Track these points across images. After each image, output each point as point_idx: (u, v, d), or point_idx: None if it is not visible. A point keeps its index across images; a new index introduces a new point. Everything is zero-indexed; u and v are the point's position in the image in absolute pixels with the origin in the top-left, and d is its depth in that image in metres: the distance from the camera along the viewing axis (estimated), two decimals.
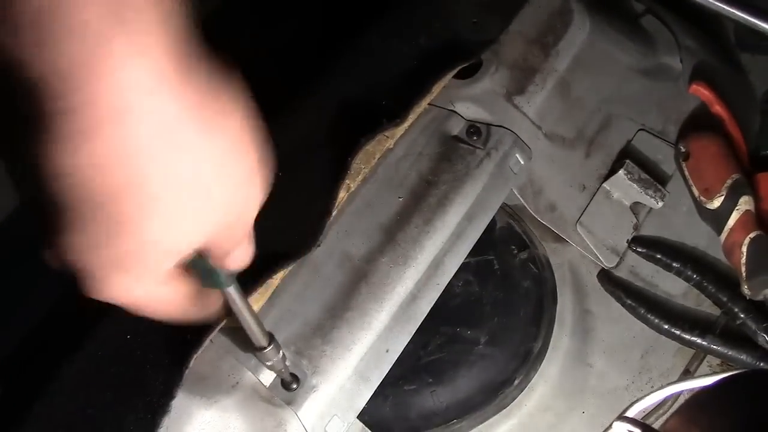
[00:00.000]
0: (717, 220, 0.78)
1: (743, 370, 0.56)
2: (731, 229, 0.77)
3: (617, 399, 0.75)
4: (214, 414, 0.60)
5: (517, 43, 0.80)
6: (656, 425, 0.62)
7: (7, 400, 0.57)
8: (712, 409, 0.42)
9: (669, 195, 0.80)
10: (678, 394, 0.66)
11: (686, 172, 0.81)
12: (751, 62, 0.95)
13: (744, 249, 0.75)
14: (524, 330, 0.76)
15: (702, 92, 0.85)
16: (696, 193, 0.80)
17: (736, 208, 0.77)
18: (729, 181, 0.78)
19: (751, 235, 0.75)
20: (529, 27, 0.81)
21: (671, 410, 0.70)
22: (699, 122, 0.85)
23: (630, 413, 0.54)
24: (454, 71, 0.74)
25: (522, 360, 0.75)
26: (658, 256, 0.79)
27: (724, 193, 0.77)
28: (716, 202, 0.78)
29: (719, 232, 0.78)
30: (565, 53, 0.81)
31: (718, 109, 0.85)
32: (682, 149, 0.82)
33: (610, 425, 0.50)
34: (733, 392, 0.44)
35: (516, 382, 0.75)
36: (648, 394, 0.55)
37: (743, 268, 0.75)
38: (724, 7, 0.78)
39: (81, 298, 0.39)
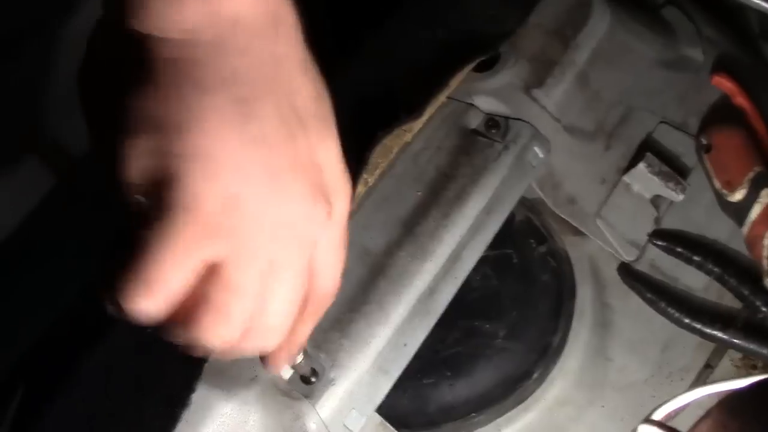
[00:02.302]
0: (739, 212, 0.78)
1: None
2: (753, 222, 0.76)
3: (637, 393, 0.74)
4: (233, 407, 0.60)
5: (536, 36, 0.79)
6: (673, 424, 0.62)
7: (29, 393, 0.57)
8: (743, 415, 0.41)
9: (690, 188, 0.79)
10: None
11: (708, 165, 0.81)
12: None
13: (767, 242, 0.75)
14: (543, 323, 0.76)
15: (724, 83, 0.84)
16: (717, 185, 0.79)
17: (759, 200, 0.76)
18: (751, 174, 0.77)
19: None
20: (548, 19, 0.80)
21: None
22: (721, 114, 0.84)
23: (656, 416, 0.53)
24: (473, 64, 0.74)
25: (541, 353, 0.75)
26: (679, 250, 0.78)
27: (747, 185, 0.77)
28: (738, 195, 0.77)
29: (741, 224, 0.78)
30: (585, 45, 0.81)
31: (740, 100, 0.84)
32: (704, 141, 0.81)
33: (635, 430, 0.49)
34: (765, 397, 0.43)
35: (535, 375, 0.74)
36: (675, 397, 0.54)
37: (766, 262, 0.74)
38: None
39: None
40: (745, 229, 0.77)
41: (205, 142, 0.35)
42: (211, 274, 0.38)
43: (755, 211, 0.76)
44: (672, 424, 0.58)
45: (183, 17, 0.34)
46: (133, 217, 0.36)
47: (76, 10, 0.66)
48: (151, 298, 0.37)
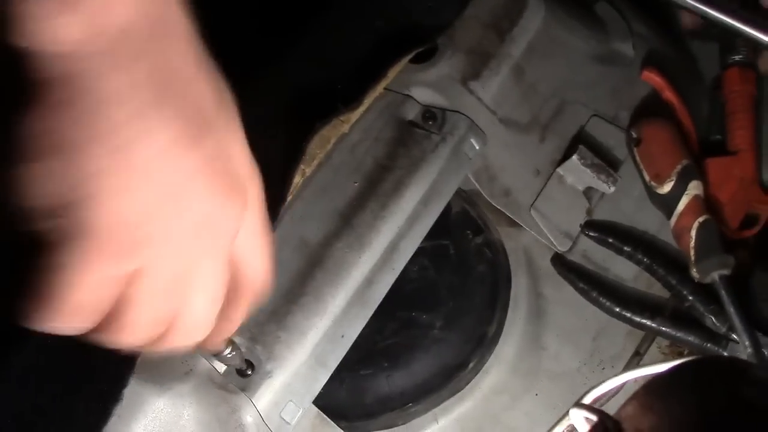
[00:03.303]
0: (667, 204, 0.80)
1: (695, 357, 0.57)
2: (681, 214, 0.78)
3: (570, 381, 0.76)
4: (167, 402, 0.59)
5: (473, 28, 0.80)
6: (605, 408, 0.63)
7: None
8: (667, 396, 0.42)
9: (621, 180, 0.81)
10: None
11: (638, 158, 0.83)
12: (701, 49, 0.96)
13: (693, 233, 0.77)
14: (479, 314, 0.77)
15: (653, 78, 0.86)
16: (647, 178, 0.81)
17: (686, 192, 0.78)
18: (679, 167, 0.79)
19: (700, 219, 0.77)
20: (485, 12, 0.81)
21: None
22: (650, 108, 0.87)
23: (586, 400, 0.54)
24: (410, 56, 0.74)
25: (477, 343, 0.76)
26: (610, 240, 0.80)
27: (674, 178, 0.79)
28: (666, 187, 0.79)
29: (669, 216, 0.80)
30: (520, 39, 0.81)
31: (668, 95, 0.86)
32: (634, 135, 0.83)
33: (567, 413, 0.50)
34: (687, 379, 0.44)
35: (471, 365, 0.75)
36: (604, 381, 0.55)
37: (692, 252, 0.76)
38: None
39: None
40: (673, 220, 0.79)
41: (110, 157, 0.34)
42: (128, 280, 0.37)
43: (682, 203, 0.78)
44: (602, 408, 0.59)
45: (69, 30, 0.32)
46: (33, 240, 0.35)
47: None
48: (70, 318, 0.36)
